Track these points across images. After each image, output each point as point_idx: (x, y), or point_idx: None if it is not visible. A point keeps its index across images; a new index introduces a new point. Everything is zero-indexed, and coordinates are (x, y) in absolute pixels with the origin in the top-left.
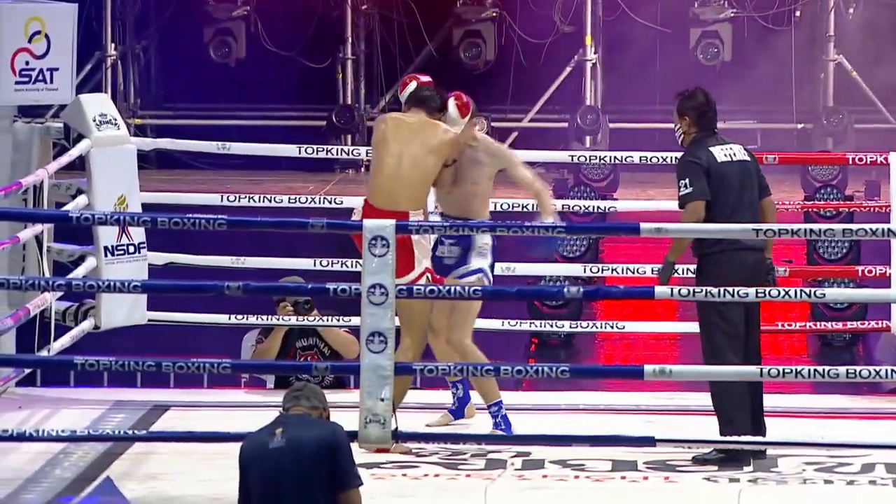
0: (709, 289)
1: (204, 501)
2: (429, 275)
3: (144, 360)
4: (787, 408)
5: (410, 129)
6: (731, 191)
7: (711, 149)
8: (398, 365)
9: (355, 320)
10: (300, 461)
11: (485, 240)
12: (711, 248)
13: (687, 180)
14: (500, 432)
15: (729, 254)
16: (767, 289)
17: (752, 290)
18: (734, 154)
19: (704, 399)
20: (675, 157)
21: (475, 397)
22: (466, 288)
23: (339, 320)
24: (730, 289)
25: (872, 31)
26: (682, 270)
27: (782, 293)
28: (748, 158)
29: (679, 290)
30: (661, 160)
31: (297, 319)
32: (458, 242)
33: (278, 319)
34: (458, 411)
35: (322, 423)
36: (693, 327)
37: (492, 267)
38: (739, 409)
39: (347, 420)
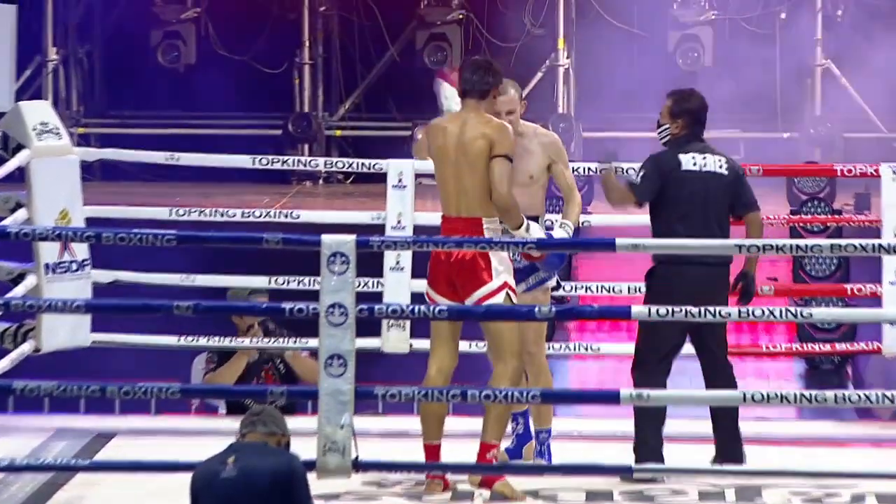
0: (689, 308)
1: None
2: (508, 291)
3: (88, 384)
4: (771, 435)
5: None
6: (685, 202)
7: (682, 155)
8: (359, 389)
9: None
10: (252, 493)
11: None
12: (656, 260)
13: (642, 172)
14: (542, 461)
15: (671, 268)
16: (751, 308)
17: (734, 310)
18: (704, 164)
19: (686, 426)
20: None
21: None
22: (431, 308)
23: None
24: (711, 308)
25: (862, 35)
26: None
27: (766, 313)
28: (724, 173)
29: (657, 310)
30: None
31: (263, 341)
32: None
33: (230, 342)
34: (516, 449)
35: (278, 453)
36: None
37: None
38: (653, 430)
39: (304, 448)
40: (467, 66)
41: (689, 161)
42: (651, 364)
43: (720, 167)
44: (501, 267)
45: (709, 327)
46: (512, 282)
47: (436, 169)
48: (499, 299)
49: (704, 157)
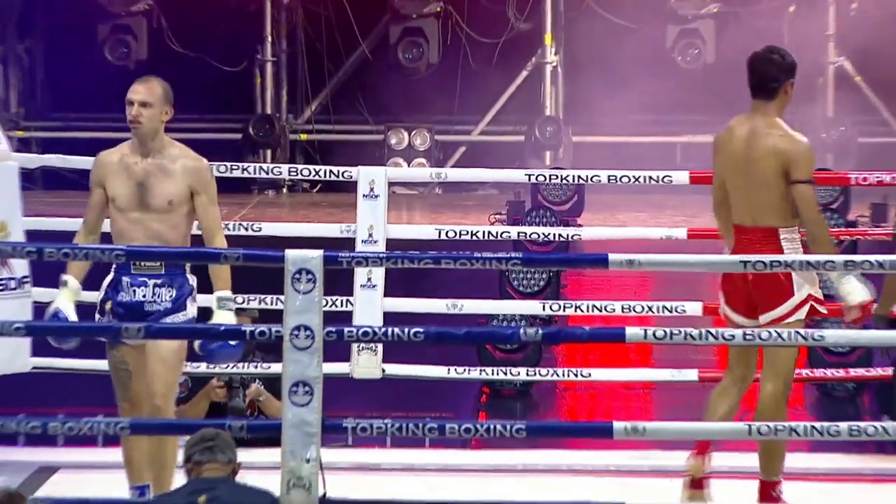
0: (689, 330)
1: None
2: (814, 304)
3: (28, 420)
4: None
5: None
6: None
7: None
8: (327, 422)
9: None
10: None
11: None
12: None
13: None
14: None
15: None
16: (756, 331)
17: (738, 333)
18: None
19: (684, 459)
20: (650, 177)
21: None
22: (406, 330)
23: None
24: (712, 330)
25: (879, 30)
26: (658, 308)
27: (774, 335)
28: None
29: (654, 332)
30: (632, 179)
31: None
32: (170, 283)
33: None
34: None
35: (255, 493)
36: (669, 375)
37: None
38: None
39: (266, 484)
40: (751, 59)
41: None
42: None
43: None
44: (802, 278)
45: None
46: (818, 292)
47: (725, 174)
48: (801, 315)
49: None
